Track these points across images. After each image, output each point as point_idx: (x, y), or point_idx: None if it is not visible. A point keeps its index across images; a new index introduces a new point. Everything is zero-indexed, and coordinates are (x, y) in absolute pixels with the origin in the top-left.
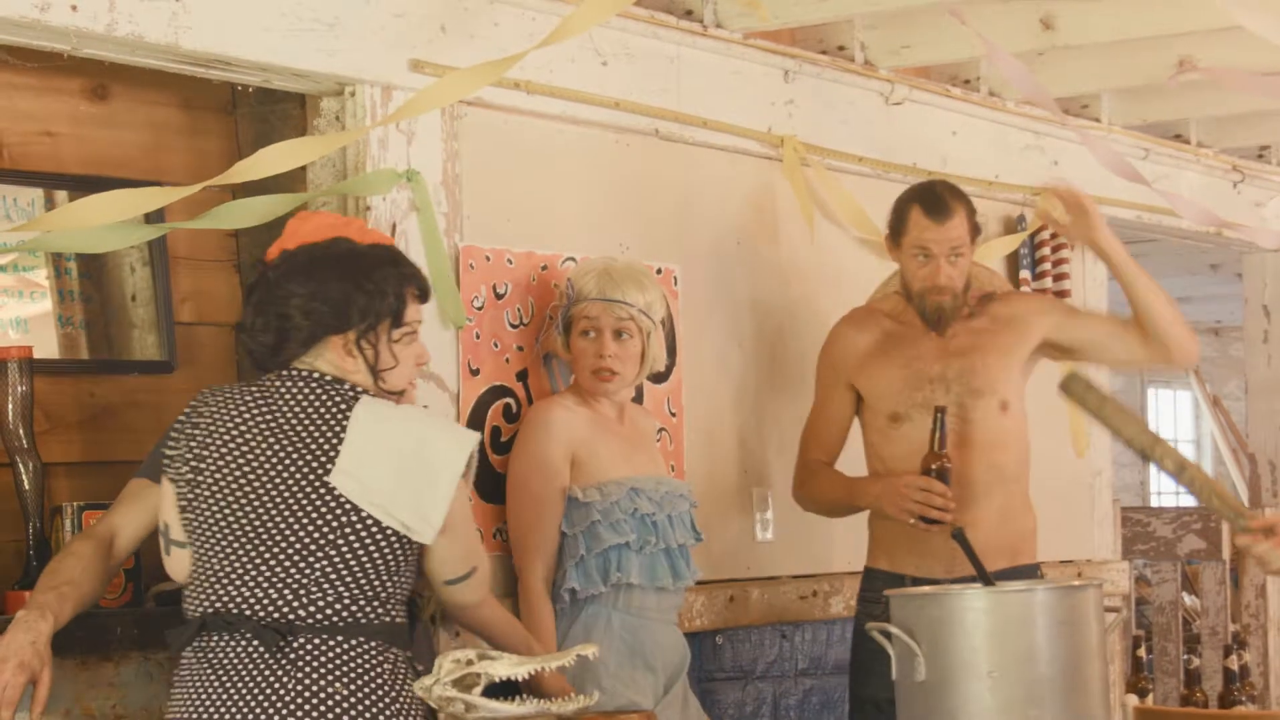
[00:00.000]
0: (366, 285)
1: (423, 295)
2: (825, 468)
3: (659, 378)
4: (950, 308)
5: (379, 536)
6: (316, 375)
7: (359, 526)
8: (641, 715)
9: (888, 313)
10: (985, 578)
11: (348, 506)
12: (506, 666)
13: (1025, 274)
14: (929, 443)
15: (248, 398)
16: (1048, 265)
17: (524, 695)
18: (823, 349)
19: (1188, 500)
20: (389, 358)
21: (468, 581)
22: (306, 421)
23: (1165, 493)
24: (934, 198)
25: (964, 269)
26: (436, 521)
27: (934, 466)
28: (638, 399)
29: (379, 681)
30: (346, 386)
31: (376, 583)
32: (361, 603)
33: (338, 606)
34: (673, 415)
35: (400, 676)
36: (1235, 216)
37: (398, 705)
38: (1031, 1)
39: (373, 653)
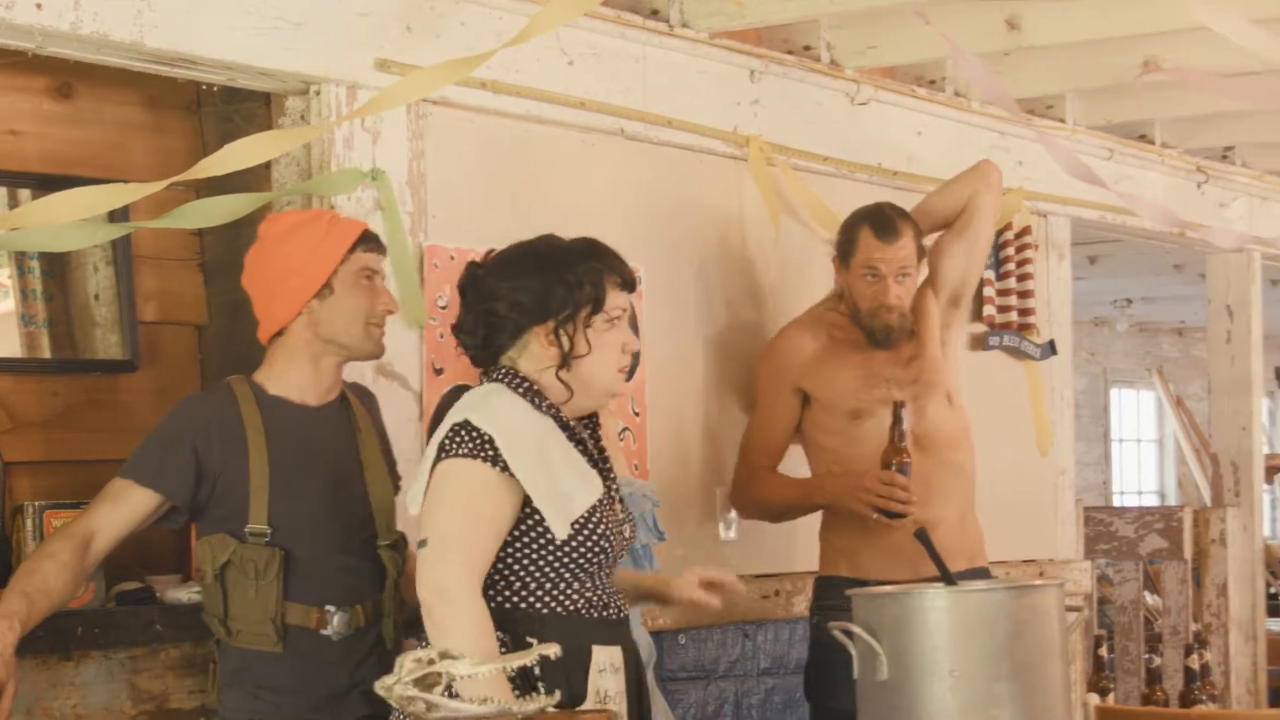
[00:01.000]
0: (567, 276)
1: (626, 284)
2: (771, 472)
3: None
4: (898, 326)
5: None
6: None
7: None
8: (603, 715)
9: (834, 321)
10: (948, 577)
11: None
12: (467, 666)
13: (989, 274)
14: (888, 437)
15: None
16: (1011, 265)
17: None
18: (766, 355)
19: (1150, 500)
20: (584, 345)
21: (421, 550)
22: None
23: (1128, 492)
24: (883, 219)
25: (911, 289)
26: (418, 493)
27: (894, 461)
28: None
29: None
30: None
31: None
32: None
33: None
34: (636, 415)
35: None
36: (1199, 217)
37: None
38: (997, 2)
39: None
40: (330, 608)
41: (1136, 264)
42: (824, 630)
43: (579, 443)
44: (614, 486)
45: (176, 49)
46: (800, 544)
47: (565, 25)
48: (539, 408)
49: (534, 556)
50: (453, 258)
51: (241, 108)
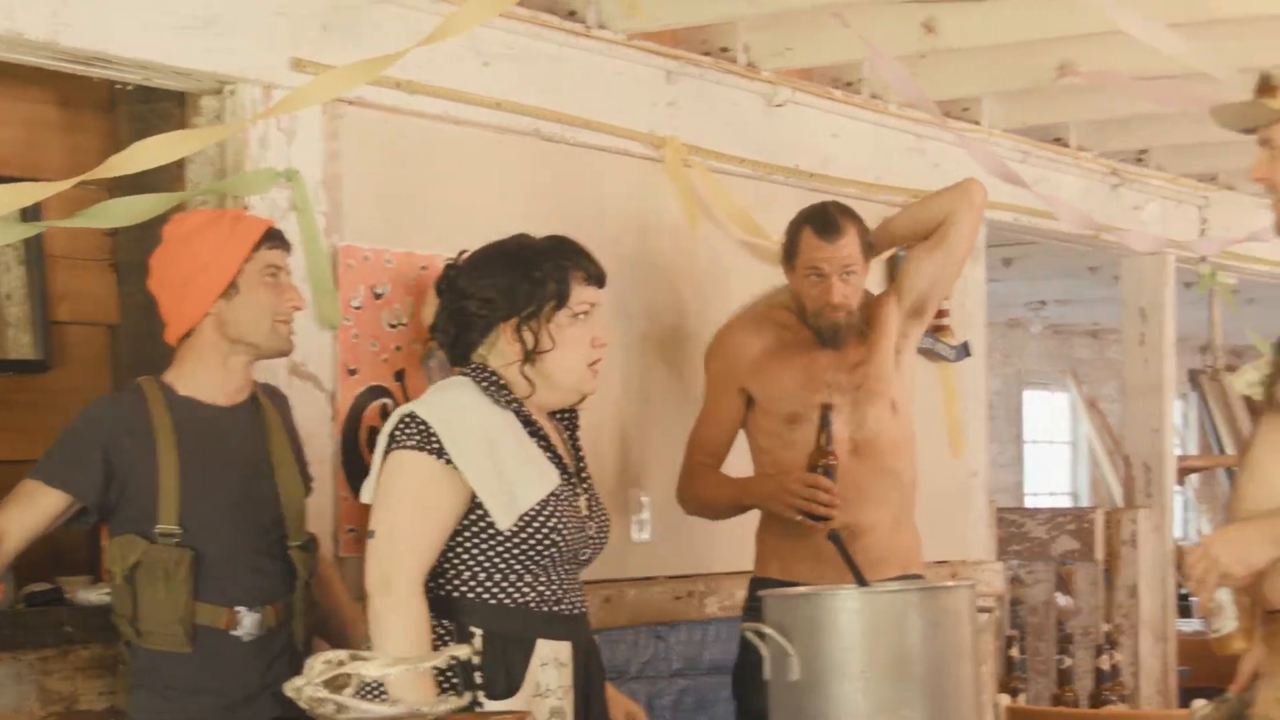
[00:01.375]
0: (533, 273)
1: (594, 279)
2: (712, 470)
3: None
4: (845, 325)
5: None
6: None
7: None
8: (515, 715)
9: (782, 321)
10: (859, 578)
11: None
12: (378, 667)
13: None
14: (815, 439)
15: None
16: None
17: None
18: (713, 353)
19: (1063, 501)
20: (548, 340)
21: (369, 541)
22: None
23: (1041, 493)
24: (825, 218)
25: (857, 286)
26: (371, 483)
27: (820, 463)
28: None
29: None
30: None
31: None
32: None
33: None
34: None
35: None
36: (1114, 220)
37: None
38: (914, 5)
39: None
40: (241, 608)
41: (1051, 266)
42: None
43: (542, 438)
44: (586, 483)
45: (91, 48)
46: (714, 545)
47: (481, 26)
48: (500, 402)
49: (482, 547)
50: (367, 258)
51: (157, 107)
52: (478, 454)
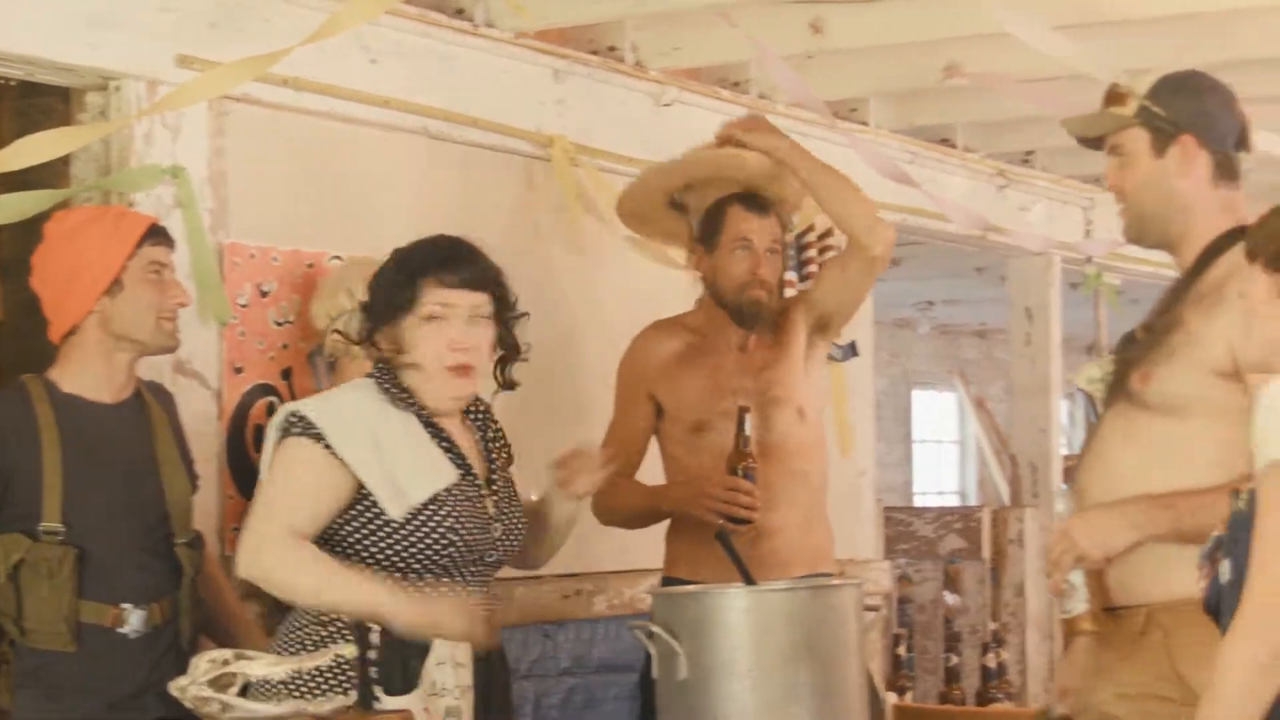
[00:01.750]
0: (395, 276)
1: (453, 281)
2: (624, 479)
3: None
4: (767, 305)
5: None
6: None
7: None
8: (399, 715)
9: (691, 326)
10: (747, 577)
11: None
12: (262, 667)
13: (791, 275)
14: (734, 443)
15: None
16: (814, 267)
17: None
18: (623, 359)
19: (951, 500)
20: (401, 344)
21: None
22: None
23: (929, 492)
24: (751, 195)
25: (777, 270)
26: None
27: (740, 465)
28: None
29: None
30: None
31: None
32: None
33: None
34: None
35: None
36: (1000, 220)
37: None
38: (801, 5)
39: None
40: (126, 606)
41: (938, 266)
42: None
43: (445, 439)
44: (497, 486)
45: None
46: (602, 544)
47: (369, 23)
48: (400, 404)
49: (379, 543)
50: (253, 256)
51: (39, 103)
52: (361, 447)
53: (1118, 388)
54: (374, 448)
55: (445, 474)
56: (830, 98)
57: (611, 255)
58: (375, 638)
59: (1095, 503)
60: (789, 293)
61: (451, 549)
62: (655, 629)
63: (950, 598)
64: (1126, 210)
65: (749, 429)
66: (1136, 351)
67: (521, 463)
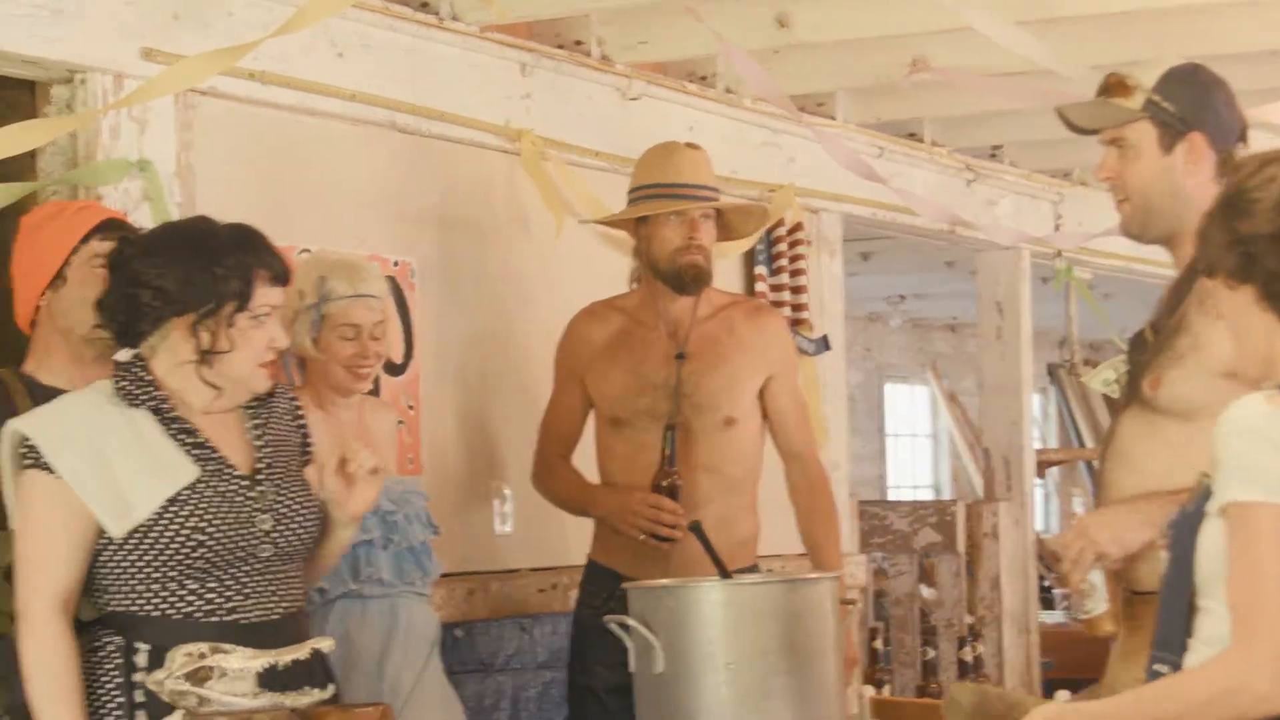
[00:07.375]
0: (215, 268)
1: (279, 278)
2: (563, 463)
3: (396, 369)
4: (705, 268)
5: None
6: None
7: None
8: (377, 709)
9: (627, 309)
10: (723, 570)
11: None
12: (240, 660)
13: (761, 269)
14: (660, 460)
15: None
16: (784, 262)
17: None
18: (560, 342)
19: (924, 494)
20: (225, 342)
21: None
22: None
23: (903, 486)
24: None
25: (713, 235)
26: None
27: (664, 483)
28: (374, 391)
29: None
30: None
31: None
32: None
33: None
34: (410, 408)
35: None
36: (968, 215)
37: None
38: (767, 0)
39: None
40: None
41: (909, 261)
42: (584, 607)
43: (188, 434)
44: (273, 475)
45: None
46: (577, 536)
47: (335, 16)
48: (135, 402)
49: (129, 557)
50: None
51: (5, 95)
52: (81, 463)
53: (1132, 391)
54: (94, 459)
55: (181, 475)
56: (797, 92)
57: (579, 247)
58: (141, 658)
59: (1122, 499)
60: (759, 287)
61: (203, 549)
62: (632, 622)
63: (926, 591)
64: (1129, 204)
65: (675, 447)
66: (1147, 354)
67: (490, 450)
